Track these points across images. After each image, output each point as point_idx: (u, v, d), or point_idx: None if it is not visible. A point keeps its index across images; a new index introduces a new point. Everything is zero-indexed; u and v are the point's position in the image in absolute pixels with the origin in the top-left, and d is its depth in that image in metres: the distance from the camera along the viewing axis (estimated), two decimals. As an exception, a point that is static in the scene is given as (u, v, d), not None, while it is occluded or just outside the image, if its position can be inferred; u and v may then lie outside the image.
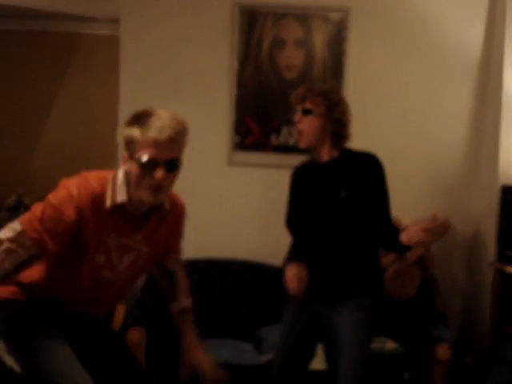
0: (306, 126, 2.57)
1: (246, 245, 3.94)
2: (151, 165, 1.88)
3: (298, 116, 2.59)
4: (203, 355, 2.25)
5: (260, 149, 4.00)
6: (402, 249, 2.54)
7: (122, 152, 2.02)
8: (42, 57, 4.14)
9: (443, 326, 3.46)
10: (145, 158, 1.87)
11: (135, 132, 1.88)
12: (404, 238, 2.41)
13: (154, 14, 3.94)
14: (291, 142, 3.98)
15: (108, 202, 1.93)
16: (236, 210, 4.01)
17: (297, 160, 3.97)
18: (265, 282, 3.83)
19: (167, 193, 2.00)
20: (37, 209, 1.92)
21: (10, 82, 4.18)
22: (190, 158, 3.97)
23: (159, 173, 1.88)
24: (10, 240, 1.85)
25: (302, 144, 2.61)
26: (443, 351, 3.19)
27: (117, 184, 1.95)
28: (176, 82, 3.98)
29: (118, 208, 1.95)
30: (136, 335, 3.19)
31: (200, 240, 3.95)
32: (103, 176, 1.98)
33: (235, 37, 3.92)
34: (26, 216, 1.92)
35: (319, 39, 3.92)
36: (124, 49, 3.87)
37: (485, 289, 3.70)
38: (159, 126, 1.87)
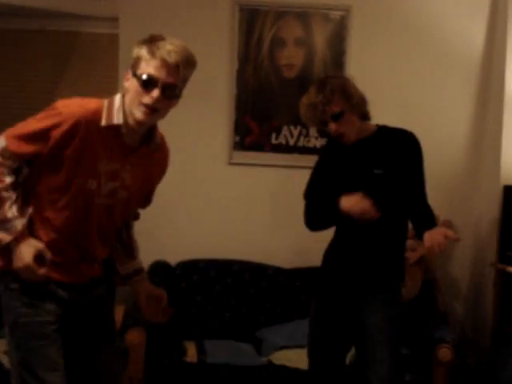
0: (346, 128, 2.48)
1: (246, 245, 3.93)
2: (150, 83, 1.94)
3: (333, 126, 2.46)
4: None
5: (260, 149, 3.98)
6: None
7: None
8: (41, 56, 4.12)
9: (445, 327, 3.45)
10: (146, 75, 1.94)
11: (144, 50, 1.96)
12: (426, 242, 2.39)
13: (153, 13, 3.92)
14: (291, 141, 3.97)
15: (103, 122, 1.99)
16: (236, 209, 4.00)
17: (297, 160, 3.98)
18: (265, 283, 3.82)
19: (159, 118, 2.06)
20: (21, 124, 2.03)
21: (8, 81, 4.16)
22: (190, 158, 4.01)
23: (156, 92, 1.94)
24: None
25: (349, 143, 2.51)
26: (445, 352, 3.18)
27: (114, 107, 2.01)
28: (176, 82, 3.96)
29: (112, 130, 2.00)
30: (135, 336, 3.17)
31: (200, 240, 3.94)
32: (99, 99, 2.05)
33: (235, 36, 3.90)
34: (10, 130, 2.03)
35: (319, 38, 3.91)
36: (123, 47, 3.84)
37: (486, 289, 3.69)
38: (169, 49, 1.94)
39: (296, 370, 3.24)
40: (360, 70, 3.93)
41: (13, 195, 2.00)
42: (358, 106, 2.51)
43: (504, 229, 3.56)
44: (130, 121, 2.01)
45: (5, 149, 2.00)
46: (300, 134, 3.96)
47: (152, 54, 1.95)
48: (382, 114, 3.65)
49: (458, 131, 3.95)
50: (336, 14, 3.89)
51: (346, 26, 3.88)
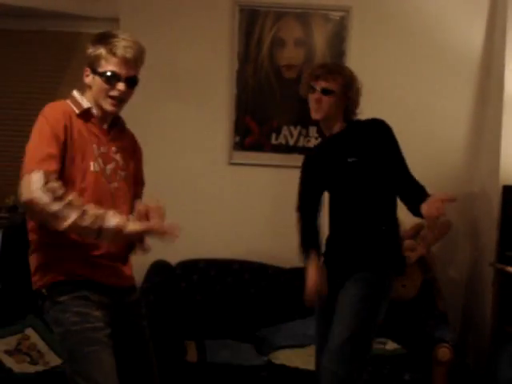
0: (326, 105, 2.60)
1: (246, 245, 3.94)
2: (114, 78, 2.16)
3: (317, 95, 2.60)
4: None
5: (260, 149, 3.99)
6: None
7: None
8: (42, 56, 4.13)
9: (444, 327, 3.45)
10: (109, 72, 2.15)
11: (102, 49, 2.15)
12: (425, 211, 2.38)
13: (153, 13, 3.93)
14: (291, 141, 3.98)
15: (77, 111, 2.19)
16: (236, 209, 4.00)
17: (297, 160, 3.96)
18: (265, 283, 3.82)
19: (125, 105, 2.25)
20: (31, 151, 2.08)
21: (9, 82, 4.17)
22: (190, 158, 4.01)
23: (121, 85, 2.16)
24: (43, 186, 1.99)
25: (318, 117, 2.63)
26: (444, 352, 3.18)
27: (76, 98, 2.22)
28: (176, 82, 3.97)
29: (87, 115, 2.20)
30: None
31: (200, 240, 3.94)
32: (60, 100, 2.25)
33: (235, 36, 3.91)
34: (29, 162, 2.05)
35: (319, 39, 3.91)
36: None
37: (485, 289, 3.69)
38: (125, 45, 2.15)
39: (296, 370, 3.25)
40: (359, 71, 3.89)
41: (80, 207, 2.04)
42: (348, 100, 2.62)
43: (503, 229, 3.57)
44: (98, 113, 2.22)
45: (46, 175, 2.01)
46: (300, 134, 3.97)
47: (111, 52, 2.14)
48: (381, 114, 3.71)
49: (457, 131, 3.96)
50: (336, 15, 3.90)
51: (346, 27, 3.89)
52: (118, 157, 2.27)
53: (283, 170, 3.97)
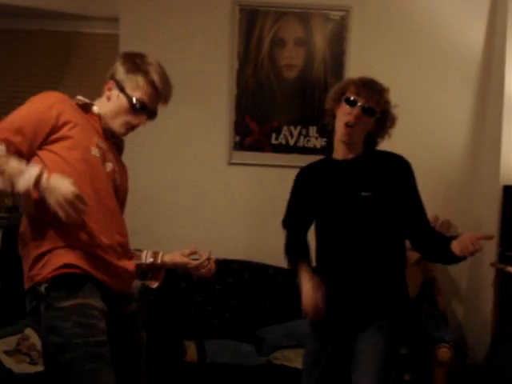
0: (362, 125, 2.33)
1: (246, 245, 3.94)
2: (141, 108, 2.09)
3: (357, 111, 2.31)
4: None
5: (260, 149, 3.99)
6: (451, 259, 2.29)
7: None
8: (41, 56, 4.13)
9: (444, 327, 3.45)
10: (140, 101, 2.08)
11: (139, 76, 2.08)
12: (457, 249, 2.21)
13: (153, 13, 3.93)
14: (291, 141, 3.97)
15: (79, 103, 2.11)
16: (236, 209, 4.00)
17: (296, 160, 3.98)
18: (265, 282, 3.82)
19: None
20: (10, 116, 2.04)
21: (8, 82, 4.17)
22: (190, 158, 4.01)
23: (143, 118, 2.11)
24: None
25: (348, 138, 2.34)
26: (444, 352, 3.18)
27: (79, 98, 2.13)
28: (175, 82, 3.94)
29: (87, 108, 2.12)
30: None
31: (200, 240, 3.93)
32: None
33: (235, 36, 3.91)
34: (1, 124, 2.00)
35: (319, 38, 3.91)
36: (123, 48, 3.84)
37: (486, 289, 3.69)
38: (162, 78, 2.11)
39: (295, 370, 3.25)
40: (360, 70, 3.91)
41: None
42: (382, 128, 2.40)
43: (503, 229, 3.57)
44: (103, 124, 2.12)
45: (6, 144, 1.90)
46: (300, 133, 3.97)
47: (147, 81, 2.08)
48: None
49: (457, 131, 3.96)
50: (336, 15, 3.90)
51: (346, 27, 3.89)
52: (114, 161, 2.13)
53: (283, 169, 3.96)
